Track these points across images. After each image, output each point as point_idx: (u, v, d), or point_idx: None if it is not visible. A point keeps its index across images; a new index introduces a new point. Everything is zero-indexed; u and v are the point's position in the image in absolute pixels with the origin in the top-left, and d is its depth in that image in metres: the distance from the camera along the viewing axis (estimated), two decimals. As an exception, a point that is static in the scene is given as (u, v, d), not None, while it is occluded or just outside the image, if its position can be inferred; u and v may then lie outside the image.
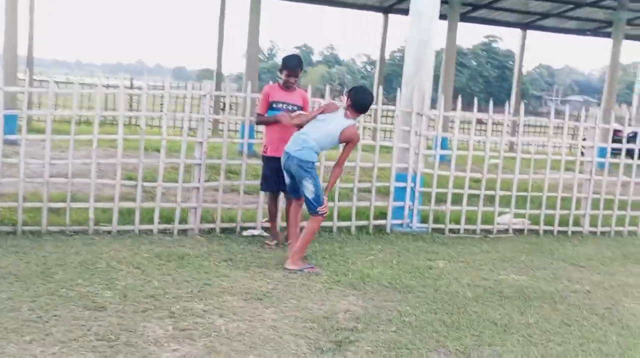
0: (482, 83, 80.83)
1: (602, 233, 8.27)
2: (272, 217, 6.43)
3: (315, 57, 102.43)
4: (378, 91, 7.36)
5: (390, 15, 20.24)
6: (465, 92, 68.72)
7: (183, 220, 6.60)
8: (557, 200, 8.02)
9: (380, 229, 7.33)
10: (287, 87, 6.22)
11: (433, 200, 7.49)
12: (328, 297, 4.93)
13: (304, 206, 5.87)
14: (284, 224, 6.55)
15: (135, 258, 5.50)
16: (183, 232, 6.55)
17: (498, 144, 8.06)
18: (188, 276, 5.14)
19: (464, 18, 18.93)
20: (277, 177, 6.11)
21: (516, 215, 7.93)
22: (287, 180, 5.84)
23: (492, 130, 7.85)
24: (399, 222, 7.37)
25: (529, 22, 20.76)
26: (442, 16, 7.60)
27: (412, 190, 7.36)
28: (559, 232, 8.04)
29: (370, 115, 7.51)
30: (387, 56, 21.05)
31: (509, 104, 20.61)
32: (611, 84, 17.61)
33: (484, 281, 5.60)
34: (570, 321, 4.74)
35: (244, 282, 5.10)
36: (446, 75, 16.08)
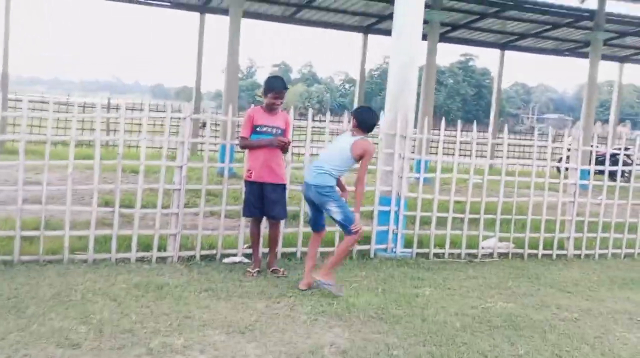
0: (460, 101, 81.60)
1: (587, 256, 8.21)
2: (255, 242, 6.26)
3: (294, 75, 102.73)
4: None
5: (369, 35, 20.27)
6: (442, 110, 69.21)
7: (162, 248, 6.40)
8: (541, 223, 7.95)
9: (363, 254, 7.19)
10: (271, 109, 6.07)
11: (417, 224, 7.38)
12: (313, 329, 4.76)
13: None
14: (267, 250, 6.39)
15: (112, 289, 5.29)
16: (162, 260, 6.35)
17: (482, 166, 7.99)
18: (167, 308, 4.94)
19: (443, 38, 19.02)
20: (260, 202, 6.03)
21: (500, 238, 7.84)
22: (310, 212, 5.90)
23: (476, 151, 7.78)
24: (383, 246, 7.24)
25: (507, 42, 20.94)
26: (422, 36, 7.51)
27: (396, 213, 7.24)
28: (543, 255, 7.97)
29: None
30: (360, 73, 21.04)
31: (489, 123, 20.63)
32: (589, 103, 17.74)
33: (471, 310, 5.47)
34: (561, 352, 4.62)
35: (226, 314, 4.92)
36: (426, 95, 16.08)
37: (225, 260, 6.52)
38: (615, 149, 9.47)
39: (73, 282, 5.40)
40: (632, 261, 8.31)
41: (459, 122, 7.88)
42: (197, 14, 18.45)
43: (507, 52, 21.65)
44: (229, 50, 14.17)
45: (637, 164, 8.60)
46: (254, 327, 4.68)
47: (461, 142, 7.66)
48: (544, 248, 7.99)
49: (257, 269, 6.13)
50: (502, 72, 21.82)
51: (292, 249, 6.92)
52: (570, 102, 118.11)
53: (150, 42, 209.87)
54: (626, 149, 15.99)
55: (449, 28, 19.05)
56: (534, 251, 7.91)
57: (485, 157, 7.81)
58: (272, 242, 6.31)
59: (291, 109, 6.80)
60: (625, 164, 13.44)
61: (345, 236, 5.81)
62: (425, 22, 16.03)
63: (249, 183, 6.09)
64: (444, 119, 7.80)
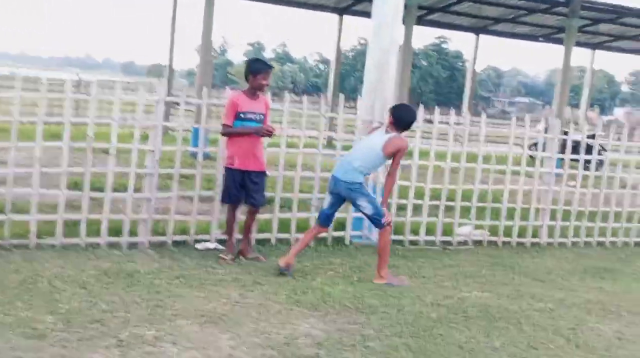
0: (433, 83, 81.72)
1: (560, 244, 8.26)
2: (231, 229, 6.14)
3: (268, 55, 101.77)
4: (335, 93, 7.16)
5: (345, 17, 20.07)
6: (415, 92, 69.27)
7: (133, 233, 6.24)
8: (516, 211, 7.96)
9: (339, 241, 7.12)
10: (257, 92, 5.93)
11: (394, 211, 7.32)
12: (288, 319, 4.67)
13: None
14: (240, 237, 6.29)
15: (81, 276, 5.14)
16: (133, 245, 6.20)
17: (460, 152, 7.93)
18: (138, 297, 4.81)
19: (420, 21, 18.92)
20: (241, 189, 5.93)
21: (476, 226, 7.83)
22: (326, 204, 5.92)
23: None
24: (358, 233, 7.18)
25: (482, 26, 20.92)
26: (400, 20, 7.40)
27: (372, 200, 7.16)
28: (517, 243, 7.99)
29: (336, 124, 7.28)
30: (335, 55, 20.87)
31: (462, 106, 20.66)
32: (563, 89, 17.86)
33: (447, 299, 5.44)
34: (537, 344, 4.61)
35: (198, 303, 4.81)
36: (402, 80, 15.99)
37: (198, 246, 6.39)
38: (588, 135, 9.46)
39: (40, 268, 5.23)
40: (604, 249, 8.39)
41: (436, 107, 7.77)
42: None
43: (482, 37, 21.65)
44: (204, 30, 13.91)
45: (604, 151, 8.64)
46: (227, 317, 4.58)
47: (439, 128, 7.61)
48: (518, 237, 8.01)
49: (230, 256, 6.02)
50: (476, 57, 21.82)
51: (267, 235, 6.81)
52: (541, 87, 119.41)
53: (122, 19, 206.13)
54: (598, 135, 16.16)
55: (425, 11, 18.93)
56: (509, 239, 7.93)
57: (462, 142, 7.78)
58: (248, 229, 6.21)
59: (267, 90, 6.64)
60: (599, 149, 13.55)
61: (379, 232, 5.85)
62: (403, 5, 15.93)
63: (231, 171, 5.94)
64: (421, 105, 7.73)
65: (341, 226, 7.16)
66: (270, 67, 6.07)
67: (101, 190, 6.24)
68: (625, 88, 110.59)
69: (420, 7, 17.73)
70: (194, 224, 6.46)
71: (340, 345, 4.26)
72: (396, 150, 5.70)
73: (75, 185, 6.62)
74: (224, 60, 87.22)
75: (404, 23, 15.88)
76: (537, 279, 6.47)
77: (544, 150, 8.46)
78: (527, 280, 6.42)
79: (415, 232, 7.50)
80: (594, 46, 23.06)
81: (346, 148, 7.23)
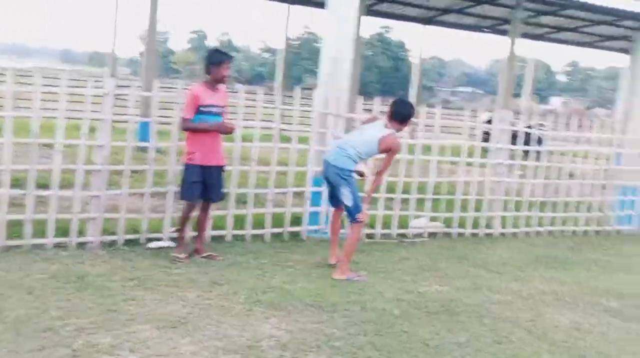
0: (377, 73, 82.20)
1: (512, 234, 8.37)
2: (184, 225, 5.92)
3: (211, 43, 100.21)
4: (284, 83, 7.01)
5: (294, 6, 19.86)
6: (360, 82, 69.41)
7: (81, 233, 5.97)
8: (469, 202, 8.01)
9: (295, 236, 7.01)
10: (215, 85, 5.72)
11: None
12: (249, 320, 4.54)
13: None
14: (194, 234, 6.11)
15: (27, 281, 4.87)
16: (81, 245, 5.92)
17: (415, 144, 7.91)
18: (90, 301, 4.59)
19: (369, 12, 18.87)
20: (202, 186, 5.73)
21: (431, 218, 7.84)
22: (327, 189, 6.03)
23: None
24: (315, 228, 7.08)
25: (430, 17, 21.03)
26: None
27: (329, 194, 7.08)
28: (471, 234, 8.05)
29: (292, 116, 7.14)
30: (285, 44, 20.68)
31: (407, 96, 20.71)
32: (508, 80, 18.13)
33: (408, 294, 5.41)
34: (500, 338, 4.62)
35: (155, 306, 4.62)
36: (353, 70, 15.90)
37: (150, 244, 6.17)
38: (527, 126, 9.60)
39: (-17, 273, 4.94)
40: (554, 238, 8.55)
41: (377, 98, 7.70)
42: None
43: (427, 27, 21.77)
44: (150, 16, 13.51)
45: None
46: (186, 320, 4.41)
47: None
48: (472, 228, 8.07)
49: (184, 255, 5.82)
50: (422, 48, 21.97)
51: (222, 232, 6.64)
52: (483, 77, 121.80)
53: (59, 5, 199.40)
54: (541, 125, 16.54)
55: (374, 1, 18.89)
56: (463, 230, 7.98)
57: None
58: (203, 226, 6.03)
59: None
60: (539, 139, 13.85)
61: (351, 225, 5.83)
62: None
63: (192, 167, 5.69)
64: (376, 98, 7.67)
65: (298, 221, 7.04)
66: (231, 57, 5.89)
67: (47, 188, 5.93)
68: (562, 78, 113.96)
69: (369, -3, 17.69)
70: (146, 222, 6.22)
71: (305, 346, 4.16)
72: (388, 148, 5.74)
73: (18, 184, 6.27)
74: (166, 49, 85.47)
75: (353, 13, 15.87)
76: (493, 271, 6.51)
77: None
78: (484, 271, 6.46)
79: (371, 225, 7.45)
80: (536, 37, 23.52)
81: (302, 140, 7.12)
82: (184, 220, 5.90)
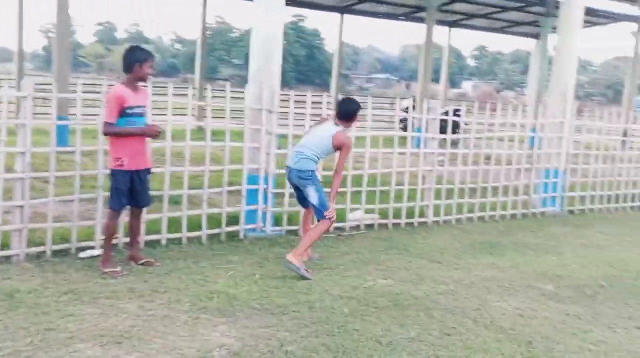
0: (293, 62, 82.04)
1: (445, 221, 8.50)
2: (111, 237, 5.55)
3: (120, 35, 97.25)
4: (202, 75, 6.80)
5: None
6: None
7: (5, 245, 5.58)
8: (404, 193, 8.07)
9: (233, 236, 6.84)
10: (136, 85, 5.41)
11: (287, 202, 7.14)
12: (196, 329, 4.37)
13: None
14: (124, 241, 5.84)
15: (-50, 303, 4.50)
16: (6, 259, 5.54)
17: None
18: (24, 321, 4.29)
19: (287, 2, 18.68)
20: (130, 192, 5.42)
21: (366, 211, 7.85)
22: (295, 193, 6.13)
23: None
24: (253, 226, 6.93)
25: (346, 5, 21.11)
26: None
27: (265, 192, 6.95)
28: (406, 224, 8.11)
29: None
30: (197, 35, 20.27)
31: (321, 84, 20.72)
32: (426, 66, 18.52)
33: (354, 290, 5.37)
34: (449, 329, 4.65)
35: (95, 321, 4.37)
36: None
37: (82, 254, 5.84)
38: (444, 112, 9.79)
39: None
40: (484, 224, 8.75)
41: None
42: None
43: (341, 16, 21.83)
44: (59, 6, 12.76)
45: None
46: (130, 334, 4.20)
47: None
48: (406, 217, 8.14)
49: (115, 268, 5.44)
50: (341, 37, 22.03)
51: (156, 237, 6.38)
52: (396, 63, 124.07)
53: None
54: (456, 111, 16.94)
55: (292, -9, 18.78)
56: (398, 221, 8.03)
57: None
58: (137, 231, 5.76)
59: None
60: (456, 125, 14.18)
61: (318, 221, 5.91)
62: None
63: (121, 173, 5.33)
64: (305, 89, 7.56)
65: (235, 220, 6.87)
66: (153, 55, 5.57)
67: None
68: (471, 62, 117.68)
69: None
70: (76, 230, 5.89)
71: (258, 353, 4.04)
72: (340, 144, 5.88)
73: None
74: (72, 42, 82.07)
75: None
76: (433, 260, 6.58)
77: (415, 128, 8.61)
78: (424, 262, 6.51)
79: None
80: (450, 24, 24.08)
81: (236, 134, 6.93)
82: (110, 231, 5.50)
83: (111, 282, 5.19)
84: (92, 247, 5.94)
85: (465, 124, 10.16)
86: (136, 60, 5.33)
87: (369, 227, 7.83)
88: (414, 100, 21.82)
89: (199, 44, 20.15)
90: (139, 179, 5.44)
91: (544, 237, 8.06)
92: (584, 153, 10.22)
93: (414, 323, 4.71)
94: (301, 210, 6.87)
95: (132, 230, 5.77)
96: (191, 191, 6.62)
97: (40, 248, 5.73)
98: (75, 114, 6.16)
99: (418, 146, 8.28)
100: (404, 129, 8.17)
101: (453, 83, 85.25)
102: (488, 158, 9.43)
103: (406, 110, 9.79)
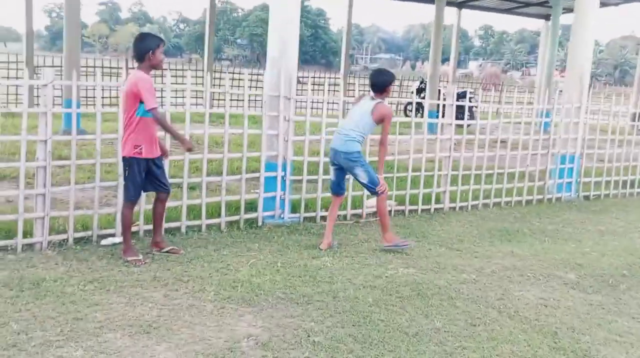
0: (298, 42, 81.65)
1: (461, 208, 8.48)
2: (130, 227, 5.52)
3: (124, 15, 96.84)
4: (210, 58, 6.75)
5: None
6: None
7: (27, 233, 5.59)
8: (420, 179, 8.05)
9: (251, 223, 6.84)
10: (152, 70, 5.36)
11: (304, 188, 7.13)
12: (223, 319, 4.38)
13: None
14: (150, 227, 5.84)
15: (-23, 292, 4.51)
16: (29, 247, 5.56)
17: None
18: (52, 310, 4.31)
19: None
20: (145, 179, 5.41)
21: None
22: (332, 176, 6.25)
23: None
24: (271, 213, 6.93)
25: (355, -14, 20.93)
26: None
27: (283, 179, 6.93)
28: (422, 210, 8.10)
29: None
30: (201, 15, 20.11)
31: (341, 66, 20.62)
32: (436, 48, 18.36)
33: (377, 280, 5.37)
34: (474, 320, 4.65)
35: (122, 311, 4.39)
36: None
37: (103, 241, 5.86)
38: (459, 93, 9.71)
39: None
40: (500, 210, 8.72)
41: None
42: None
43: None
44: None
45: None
46: (158, 324, 4.21)
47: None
48: (423, 204, 8.12)
49: (137, 257, 5.44)
50: (351, 18, 21.85)
51: (175, 224, 6.38)
52: (400, 42, 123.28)
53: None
54: (468, 94, 16.85)
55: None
56: (415, 207, 8.02)
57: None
58: (161, 218, 5.74)
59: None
60: (470, 108, 14.07)
61: (376, 198, 6.19)
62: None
63: (139, 161, 5.30)
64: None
65: (253, 207, 6.87)
66: (163, 39, 5.54)
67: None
68: (476, 42, 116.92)
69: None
70: (97, 218, 5.89)
71: (286, 344, 4.05)
72: (382, 116, 6.00)
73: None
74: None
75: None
76: (452, 248, 6.57)
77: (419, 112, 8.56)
78: (443, 249, 6.50)
79: (326, 207, 7.36)
80: (459, 5, 23.85)
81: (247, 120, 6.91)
82: (128, 221, 5.47)
83: (135, 271, 5.20)
84: (112, 235, 5.95)
85: (478, 108, 10.07)
86: (150, 47, 5.26)
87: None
88: (422, 82, 21.74)
89: (207, 24, 19.97)
90: (155, 164, 5.42)
91: (561, 224, 8.04)
92: (598, 138, 10.16)
93: (439, 314, 4.72)
94: (319, 196, 6.91)
95: (157, 216, 5.73)
96: (209, 178, 6.61)
97: (62, 236, 5.74)
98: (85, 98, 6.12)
99: (430, 131, 8.24)
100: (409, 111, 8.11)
101: (459, 63, 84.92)
102: (503, 142, 9.38)
103: (419, 91, 9.63)
